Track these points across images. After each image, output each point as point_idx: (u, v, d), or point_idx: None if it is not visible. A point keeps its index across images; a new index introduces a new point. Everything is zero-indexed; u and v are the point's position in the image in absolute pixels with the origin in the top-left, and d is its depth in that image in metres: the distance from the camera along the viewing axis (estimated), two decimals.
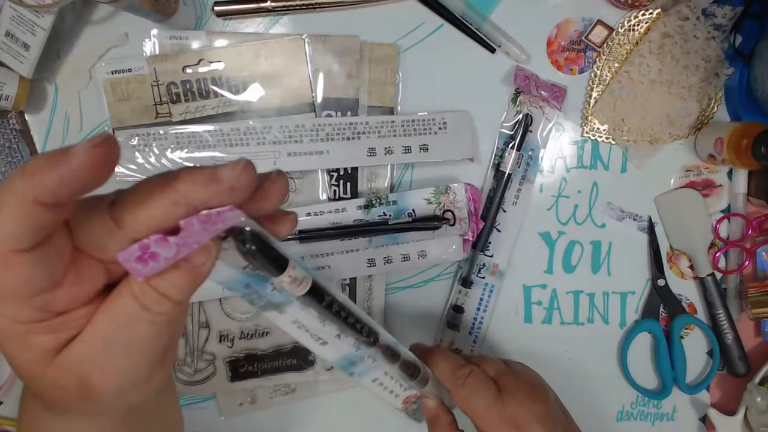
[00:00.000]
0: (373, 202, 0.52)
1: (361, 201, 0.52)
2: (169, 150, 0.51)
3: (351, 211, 0.52)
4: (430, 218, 0.52)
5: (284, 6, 0.53)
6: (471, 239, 0.54)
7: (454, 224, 0.53)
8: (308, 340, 0.32)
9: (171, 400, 0.37)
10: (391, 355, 0.36)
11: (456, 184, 0.53)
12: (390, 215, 0.53)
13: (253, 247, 0.23)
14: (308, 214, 0.52)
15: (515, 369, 0.43)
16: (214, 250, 0.23)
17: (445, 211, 0.53)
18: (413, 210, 0.53)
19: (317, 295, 0.28)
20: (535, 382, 0.42)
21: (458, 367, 0.41)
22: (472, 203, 0.53)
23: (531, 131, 0.55)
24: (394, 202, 0.53)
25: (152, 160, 0.51)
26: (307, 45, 0.52)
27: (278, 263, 0.25)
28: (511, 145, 0.54)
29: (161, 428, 0.36)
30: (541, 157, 0.56)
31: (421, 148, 0.53)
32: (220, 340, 0.56)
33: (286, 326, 0.30)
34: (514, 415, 0.39)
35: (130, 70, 0.52)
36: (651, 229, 0.57)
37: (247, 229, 0.23)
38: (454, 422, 0.42)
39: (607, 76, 0.55)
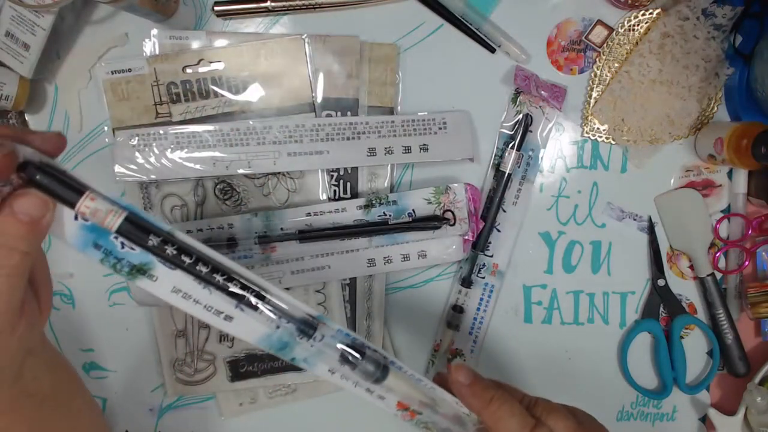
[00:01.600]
0: (373, 202, 0.52)
1: (361, 201, 0.52)
2: (169, 150, 0.51)
3: (351, 211, 0.52)
4: (430, 218, 0.52)
5: (284, 6, 0.53)
6: (471, 239, 0.54)
7: (454, 224, 0.53)
8: (207, 316, 0.28)
9: (65, 379, 0.37)
10: (306, 327, 0.30)
11: (456, 184, 0.53)
12: (390, 215, 0.53)
13: (38, 176, 0.23)
14: (308, 214, 0.52)
15: (585, 427, 0.38)
16: (46, 200, 0.25)
17: (445, 211, 0.53)
18: (413, 210, 0.53)
19: (136, 232, 0.25)
20: (564, 411, 0.38)
21: (488, 389, 0.36)
22: (472, 203, 0.53)
23: (531, 131, 0.55)
24: (394, 202, 0.53)
25: (152, 160, 0.51)
26: (307, 45, 0.53)
27: (73, 194, 0.25)
28: (511, 145, 0.54)
29: (66, 413, 0.36)
30: (541, 157, 0.56)
31: (421, 148, 0.53)
32: (220, 340, 0.56)
33: (169, 298, 0.27)
34: None
35: (130, 70, 0.52)
36: (651, 229, 0.57)
37: (33, 159, 0.23)
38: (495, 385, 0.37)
39: (607, 76, 0.55)
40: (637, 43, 0.54)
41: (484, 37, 0.55)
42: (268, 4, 0.53)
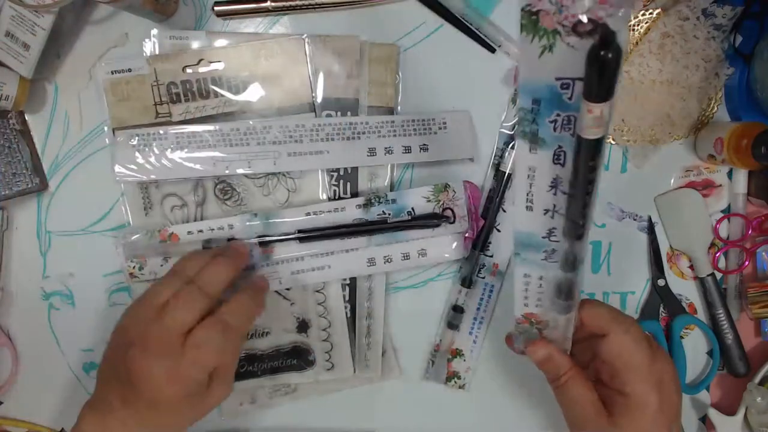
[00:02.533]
0: (372, 200, 0.52)
1: (360, 200, 0.52)
2: (169, 150, 0.51)
3: (350, 210, 0.52)
4: (429, 216, 0.52)
5: (284, 6, 0.53)
6: (471, 237, 0.54)
7: (453, 222, 0.53)
8: (522, 187, 0.31)
9: None
10: (571, 263, 0.34)
11: (455, 182, 0.53)
12: (389, 214, 0.53)
13: (611, 54, 0.22)
14: (308, 214, 0.52)
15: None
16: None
17: (444, 209, 0.53)
18: (413, 208, 0.53)
19: (595, 150, 0.26)
20: (669, 355, 0.44)
21: (619, 314, 0.41)
22: (472, 201, 0.53)
23: None
24: (394, 201, 0.53)
25: (152, 160, 0.51)
26: (307, 45, 0.53)
27: (609, 92, 0.24)
28: (511, 145, 0.54)
29: None
30: None
31: (421, 148, 0.53)
32: None
33: (520, 165, 0.29)
34: (661, 372, 0.40)
35: (130, 70, 0.52)
36: (651, 229, 0.57)
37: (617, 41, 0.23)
38: (573, 363, 0.42)
39: None
40: (637, 43, 0.54)
41: (484, 37, 0.55)
42: (268, 4, 0.53)
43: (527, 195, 0.31)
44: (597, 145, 0.26)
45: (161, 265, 0.52)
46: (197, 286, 0.43)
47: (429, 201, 0.53)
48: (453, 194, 0.53)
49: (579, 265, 0.35)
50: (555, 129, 0.27)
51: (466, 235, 0.54)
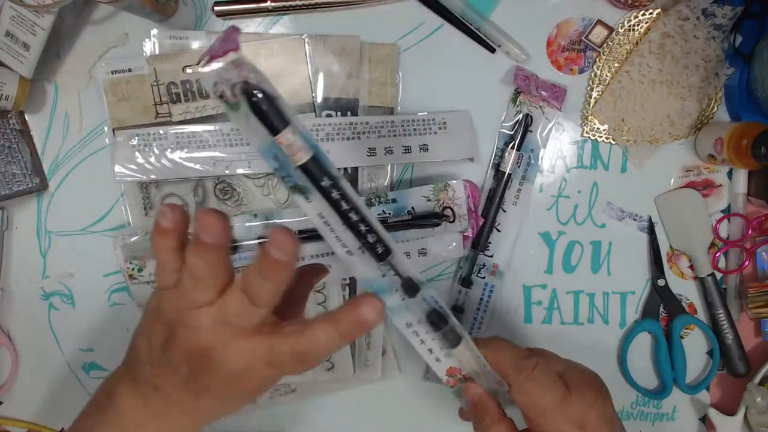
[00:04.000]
0: (373, 200, 0.52)
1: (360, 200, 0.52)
2: (169, 150, 0.51)
3: None
4: (429, 215, 0.52)
5: (284, 6, 0.53)
6: (471, 236, 0.54)
7: (453, 221, 0.53)
8: (334, 242, 0.32)
9: None
10: (408, 288, 0.34)
11: (455, 181, 0.53)
12: (389, 213, 0.53)
13: (259, 96, 0.26)
14: None
15: (579, 365, 0.40)
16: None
17: (444, 209, 0.53)
18: (412, 208, 0.53)
19: (315, 171, 0.29)
20: (598, 381, 0.40)
21: (523, 358, 0.38)
22: (471, 200, 0.53)
23: (531, 131, 0.55)
24: (393, 200, 0.53)
25: (152, 159, 0.51)
26: (307, 45, 0.53)
27: (279, 124, 0.27)
28: (511, 145, 0.54)
29: None
30: (541, 157, 0.56)
31: (421, 148, 0.53)
32: None
33: (312, 217, 0.31)
34: (582, 416, 0.36)
35: (130, 70, 0.52)
36: (651, 229, 0.57)
37: (260, 86, 0.27)
38: (504, 414, 0.39)
39: (607, 76, 0.55)
40: (637, 43, 0.54)
41: (484, 37, 0.55)
42: (268, 4, 0.53)
43: (340, 241, 0.32)
44: (314, 166, 0.29)
45: None
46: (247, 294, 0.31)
47: (429, 200, 0.53)
48: (453, 194, 0.53)
49: (420, 285, 0.33)
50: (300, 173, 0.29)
51: (466, 234, 0.54)
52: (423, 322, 0.35)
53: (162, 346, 0.33)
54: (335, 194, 0.30)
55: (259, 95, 0.27)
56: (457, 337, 0.36)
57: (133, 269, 0.52)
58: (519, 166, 0.55)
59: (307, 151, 0.28)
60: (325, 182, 0.29)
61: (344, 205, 0.30)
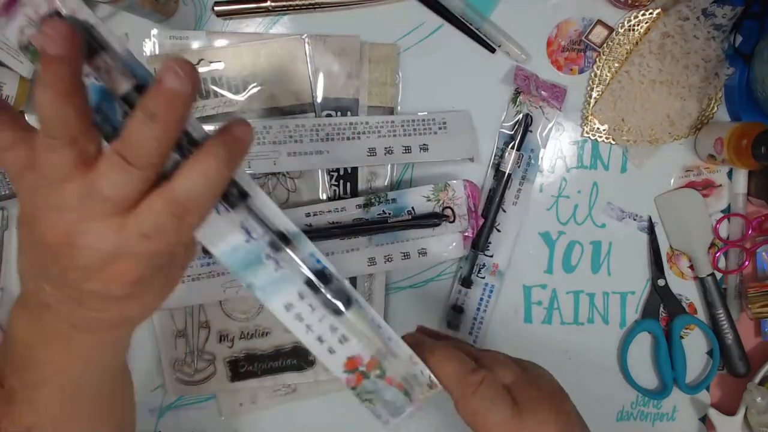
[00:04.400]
0: (373, 200, 0.52)
1: (360, 200, 0.52)
2: None
3: (350, 210, 0.52)
4: (429, 215, 0.52)
5: (284, 6, 0.53)
6: (471, 236, 0.54)
7: (453, 221, 0.53)
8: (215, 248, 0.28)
9: (125, 370, 0.38)
10: (285, 242, 0.28)
11: (455, 181, 0.53)
12: (389, 213, 0.53)
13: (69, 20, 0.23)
14: (308, 215, 0.52)
15: (531, 373, 0.38)
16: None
17: (444, 208, 0.53)
18: (413, 208, 0.53)
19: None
20: (553, 390, 0.37)
21: (469, 372, 0.35)
22: (471, 200, 0.53)
23: (531, 131, 0.55)
24: (394, 200, 0.53)
25: None
26: (307, 45, 0.53)
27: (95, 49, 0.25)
28: (511, 145, 0.54)
29: (112, 406, 0.36)
30: (541, 157, 0.56)
31: (421, 148, 0.53)
32: (220, 340, 0.56)
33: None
34: None
35: None
36: (651, 229, 0.57)
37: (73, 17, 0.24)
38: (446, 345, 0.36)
39: (607, 76, 0.55)
40: (637, 43, 0.54)
41: (484, 37, 0.55)
42: (268, 4, 0.53)
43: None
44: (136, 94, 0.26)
45: None
46: (124, 157, 0.25)
47: (429, 200, 0.53)
48: (453, 194, 0.53)
49: (294, 238, 0.29)
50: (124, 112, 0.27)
51: (466, 234, 0.54)
52: (307, 295, 0.29)
53: (29, 247, 0.28)
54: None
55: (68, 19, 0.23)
56: (347, 299, 0.30)
57: None
58: (519, 166, 0.55)
59: (128, 79, 0.26)
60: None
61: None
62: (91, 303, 0.28)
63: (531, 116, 0.55)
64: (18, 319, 0.31)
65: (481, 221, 0.55)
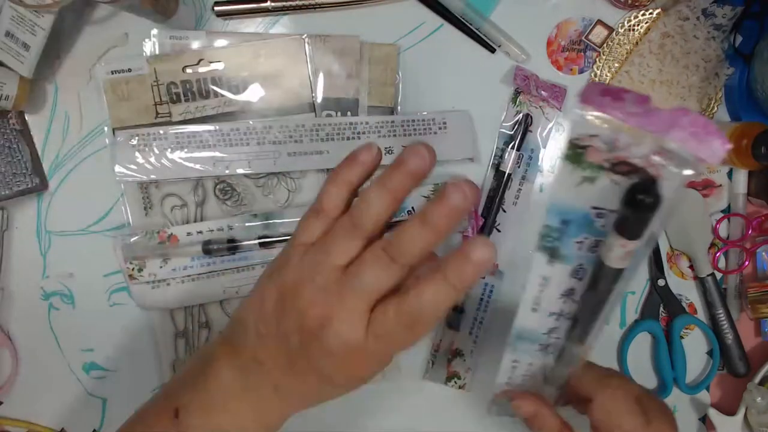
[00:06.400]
0: None
1: None
2: (169, 150, 0.51)
3: None
4: None
5: (284, 6, 0.53)
6: (471, 236, 0.54)
7: None
8: (532, 293, 0.31)
9: None
10: (567, 360, 0.34)
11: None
12: None
13: (648, 200, 0.23)
14: None
15: (652, 395, 0.40)
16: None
17: None
18: (413, 208, 0.53)
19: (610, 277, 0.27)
20: (671, 415, 0.40)
21: (606, 375, 0.38)
22: None
23: (531, 131, 0.55)
24: None
25: (152, 160, 0.51)
26: (307, 45, 0.53)
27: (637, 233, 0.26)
28: (511, 145, 0.54)
29: None
30: (541, 157, 0.56)
31: None
32: None
33: (534, 277, 0.30)
34: None
35: (130, 70, 0.52)
36: None
37: (656, 190, 0.24)
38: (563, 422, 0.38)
39: (607, 76, 0.55)
40: (637, 43, 0.55)
41: (484, 37, 0.55)
42: (268, 4, 0.53)
43: (535, 299, 0.32)
44: (618, 274, 0.27)
45: (161, 267, 0.52)
46: (389, 253, 0.28)
47: (429, 200, 0.53)
48: None
49: (574, 361, 0.34)
50: (580, 249, 0.27)
51: (466, 234, 0.54)
52: (538, 370, 0.36)
53: (275, 311, 0.30)
54: (607, 297, 0.29)
55: (649, 200, 0.23)
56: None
57: (133, 269, 0.52)
58: (519, 166, 0.55)
59: (629, 262, 0.27)
60: (612, 287, 0.28)
61: (602, 306, 0.29)
62: (308, 377, 0.30)
63: (531, 116, 0.55)
64: (225, 365, 0.33)
65: (481, 221, 0.55)
